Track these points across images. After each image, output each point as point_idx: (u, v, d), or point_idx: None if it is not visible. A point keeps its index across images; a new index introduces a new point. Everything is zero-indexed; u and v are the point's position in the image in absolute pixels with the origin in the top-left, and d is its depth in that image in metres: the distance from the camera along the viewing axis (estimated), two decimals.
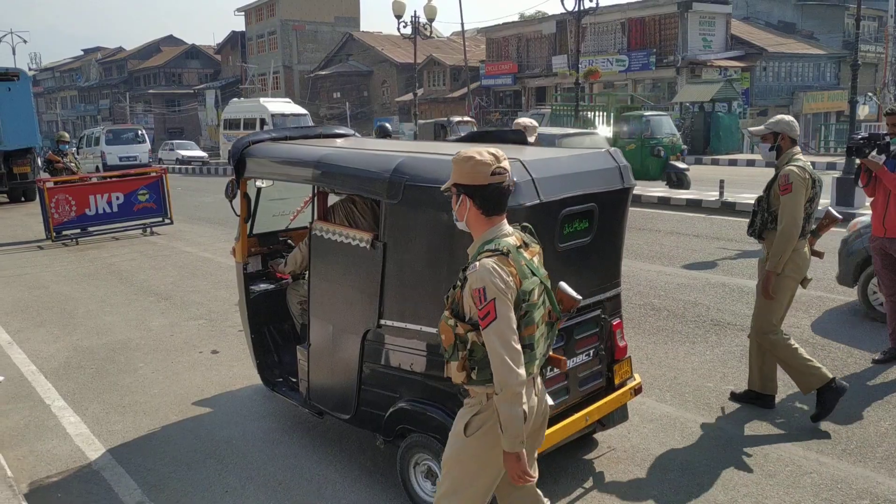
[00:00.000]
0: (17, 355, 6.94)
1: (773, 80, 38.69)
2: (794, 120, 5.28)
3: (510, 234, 2.86)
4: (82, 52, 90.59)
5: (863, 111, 33.40)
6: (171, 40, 78.60)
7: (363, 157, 4.23)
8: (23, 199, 20.70)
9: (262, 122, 29.80)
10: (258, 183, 5.26)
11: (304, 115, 31.63)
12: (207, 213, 17.07)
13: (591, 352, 4.26)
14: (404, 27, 22.03)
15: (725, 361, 6.20)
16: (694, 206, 14.50)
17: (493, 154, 2.82)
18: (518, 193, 3.54)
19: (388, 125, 14.39)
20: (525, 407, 2.68)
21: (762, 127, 5.32)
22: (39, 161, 19.73)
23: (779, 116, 5.29)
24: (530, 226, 3.08)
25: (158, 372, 6.36)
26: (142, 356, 6.81)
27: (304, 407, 4.79)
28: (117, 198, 13.67)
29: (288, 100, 35.94)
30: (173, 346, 6.99)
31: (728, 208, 14.11)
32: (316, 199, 4.51)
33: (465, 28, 41.26)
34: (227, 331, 7.43)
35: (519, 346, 2.65)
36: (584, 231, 4.05)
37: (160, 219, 14.19)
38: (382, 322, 4.02)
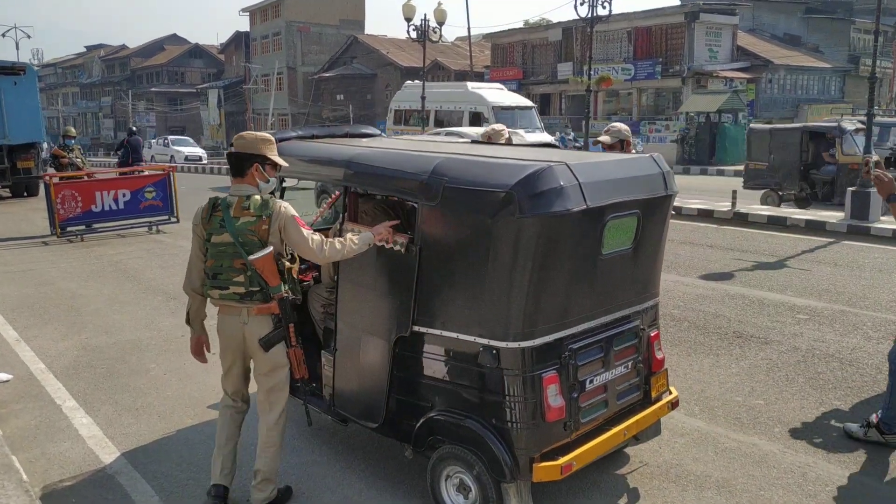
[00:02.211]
0: (25, 353, 6.78)
1: (779, 93, 38.64)
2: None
3: (234, 195, 3.86)
4: (85, 49, 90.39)
5: None
6: (174, 39, 78.45)
7: (398, 157, 4.10)
8: (25, 193, 20.52)
9: (476, 115, 22.70)
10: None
11: (531, 107, 24.37)
12: None
13: (630, 364, 4.12)
14: (413, 30, 21.89)
15: (752, 375, 6.06)
16: (705, 215, 14.38)
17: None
18: (564, 198, 3.41)
19: None
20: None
21: (608, 137, 5.76)
22: (45, 152, 19.56)
23: (619, 125, 5.90)
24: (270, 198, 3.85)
25: (171, 373, 6.21)
26: (153, 356, 6.66)
27: (327, 413, 4.64)
28: (124, 195, 13.51)
29: (501, 86, 27.57)
30: (185, 347, 6.74)
31: (740, 219, 13.99)
32: (347, 199, 4.36)
33: (469, 34, 41.24)
34: None
35: (192, 268, 3.99)
36: (627, 239, 3.92)
37: (166, 217, 14.03)
38: (415, 329, 3.87)
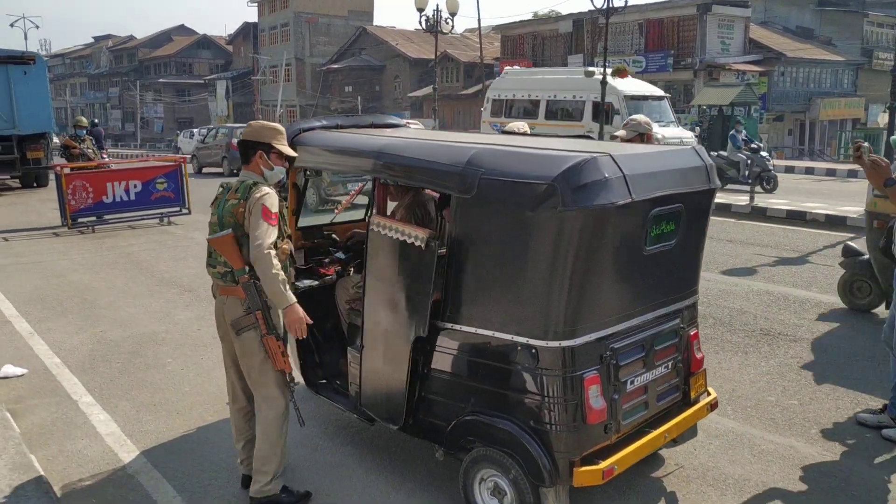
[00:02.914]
0: (39, 346, 6.66)
1: (791, 86, 38.28)
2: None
3: (239, 181, 3.84)
4: (93, 40, 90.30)
5: (882, 120, 32.99)
6: (182, 30, 78.29)
7: (431, 147, 3.94)
8: (35, 184, 20.43)
9: (600, 106, 19.01)
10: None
11: (663, 97, 21.69)
12: None
13: (670, 364, 3.97)
14: (426, 21, 21.69)
15: (783, 374, 5.91)
16: (723, 210, 14.18)
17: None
18: (609, 190, 3.26)
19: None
20: None
21: (624, 131, 5.45)
22: (58, 143, 19.40)
23: (639, 117, 5.52)
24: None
25: (188, 368, 6.08)
26: (169, 350, 6.53)
27: (352, 412, 4.49)
28: (135, 186, 13.39)
29: None
30: (201, 341, 6.69)
31: (759, 213, 13.80)
32: (375, 192, 4.21)
33: (480, 25, 40.94)
34: None
35: None
36: (670, 234, 3.76)
37: (177, 208, 13.91)
38: (446, 326, 3.73)
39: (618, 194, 3.28)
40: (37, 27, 67.58)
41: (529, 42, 44.00)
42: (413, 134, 4.40)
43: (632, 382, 3.70)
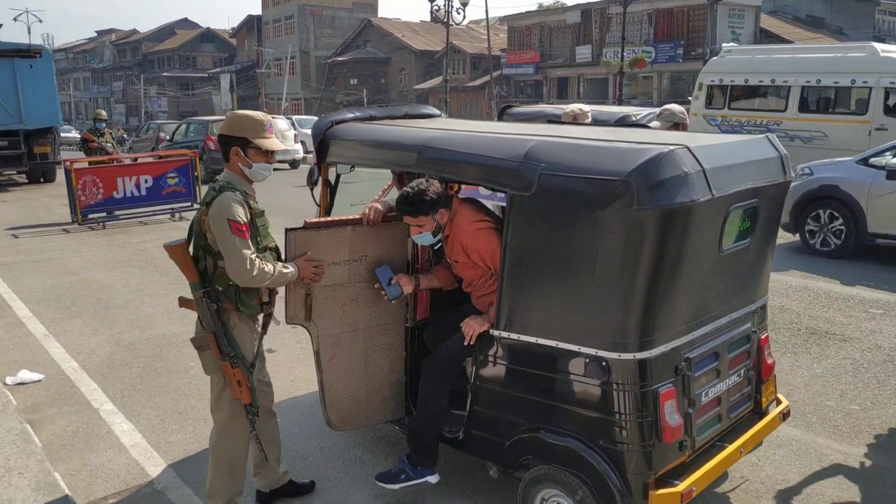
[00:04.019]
0: (55, 350, 6.39)
1: None
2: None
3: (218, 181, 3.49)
4: (96, 34, 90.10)
5: None
6: (185, 23, 78.04)
7: (482, 140, 3.64)
8: (42, 180, 20.14)
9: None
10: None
11: None
12: None
13: (742, 371, 3.69)
14: (437, 10, 21.35)
15: (838, 376, 5.61)
16: None
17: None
18: (688, 186, 2.96)
19: None
20: None
21: (658, 122, 5.23)
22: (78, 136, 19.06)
23: (674, 107, 5.39)
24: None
25: None
26: (191, 354, 6.18)
27: (395, 425, 4.22)
28: (146, 181, 13.10)
29: None
30: None
31: None
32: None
33: (487, 16, 40.57)
34: (281, 327, 6.78)
35: None
36: (746, 232, 3.48)
37: (189, 203, 13.61)
38: (500, 335, 3.44)
39: (698, 190, 2.98)
40: (40, 21, 67.31)
41: (537, 33, 43.60)
42: (460, 126, 4.09)
43: (706, 394, 3.42)
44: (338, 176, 4.60)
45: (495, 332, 3.45)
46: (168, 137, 23.01)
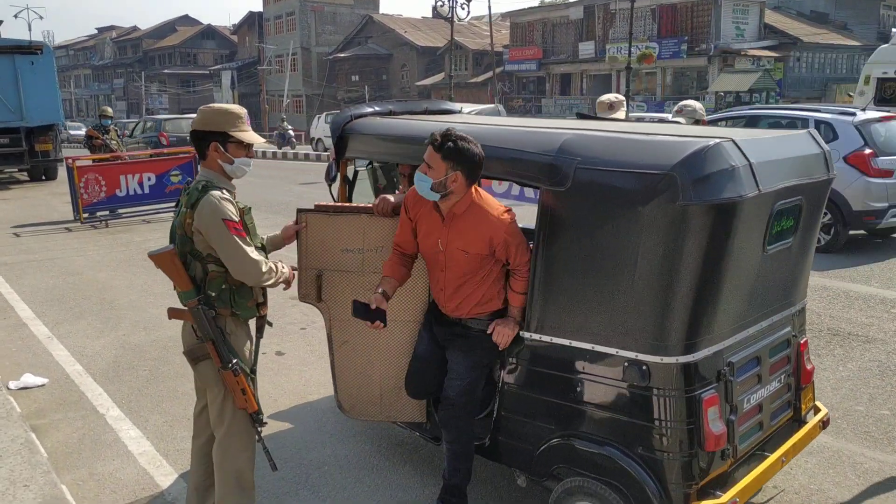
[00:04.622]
0: (59, 352, 6.21)
1: (807, 72, 37.66)
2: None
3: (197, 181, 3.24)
4: (96, 31, 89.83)
5: None
6: (186, 20, 77.81)
7: (511, 133, 3.47)
8: (43, 177, 19.98)
9: None
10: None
11: None
12: (241, 196, 16.31)
13: (782, 377, 3.52)
14: (441, 6, 21.16)
15: (866, 380, 5.44)
16: None
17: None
18: (736, 181, 2.78)
19: None
20: None
21: (683, 118, 5.11)
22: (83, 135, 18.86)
23: (693, 103, 5.32)
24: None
25: None
26: None
27: (414, 430, 4.04)
28: (149, 178, 12.92)
29: None
30: None
31: None
32: None
33: (490, 11, 40.36)
34: (288, 329, 6.68)
35: None
36: (790, 230, 3.30)
37: None
38: (532, 337, 3.27)
39: (745, 186, 2.81)
40: (41, 18, 67.11)
41: (539, 29, 43.44)
42: (485, 120, 3.92)
43: (748, 401, 3.24)
44: (356, 172, 4.42)
45: (526, 335, 3.29)
46: (129, 133, 24.58)
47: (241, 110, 3.29)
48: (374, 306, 3.35)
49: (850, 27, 41.79)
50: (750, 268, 3.09)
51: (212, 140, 3.17)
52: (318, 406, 5.13)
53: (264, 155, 29.55)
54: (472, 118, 4.14)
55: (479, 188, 3.35)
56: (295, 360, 5.97)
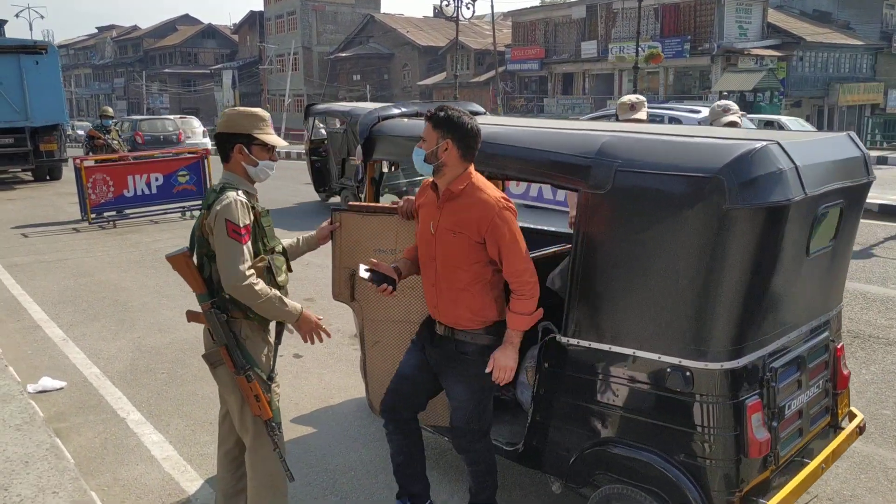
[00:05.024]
0: (74, 355, 6.17)
1: (810, 71, 37.60)
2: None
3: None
4: (96, 30, 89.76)
5: None
6: (187, 19, 77.73)
7: (546, 135, 3.42)
8: (48, 177, 19.92)
9: None
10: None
11: None
12: None
13: (821, 382, 3.47)
14: (446, 5, 21.11)
15: (890, 383, 5.39)
16: None
17: None
18: (783, 184, 2.74)
19: None
20: None
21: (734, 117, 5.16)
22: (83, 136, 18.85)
23: (729, 103, 5.30)
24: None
25: None
26: None
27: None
28: (156, 179, 12.87)
29: None
30: None
31: None
32: None
33: (493, 11, 40.30)
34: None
35: None
36: (830, 234, 3.25)
37: (200, 202, 13.37)
38: (570, 342, 3.22)
39: (792, 189, 2.76)
40: (41, 17, 66.90)
41: (541, 28, 43.38)
42: (521, 122, 3.88)
43: (789, 407, 3.20)
44: (381, 174, 4.38)
45: (563, 340, 3.24)
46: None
47: (266, 113, 3.27)
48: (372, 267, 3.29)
49: (852, 26, 41.74)
50: (793, 272, 3.05)
51: (236, 142, 3.15)
52: (340, 410, 5.08)
53: None
54: (506, 120, 4.09)
55: (478, 173, 3.20)
56: (313, 363, 5.92)
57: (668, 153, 2.94)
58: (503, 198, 3.13)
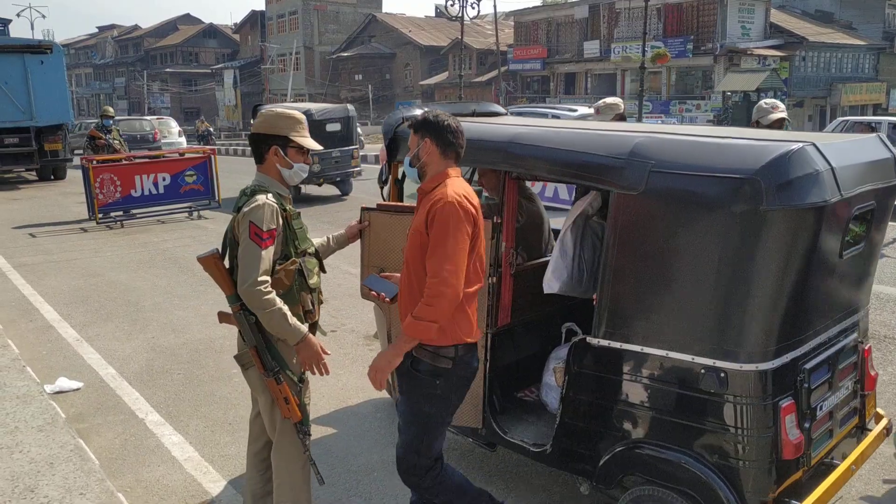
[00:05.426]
0: (90, 355, 6.15)
1: (812, 71, 37.58)
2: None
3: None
4: (97, 30, 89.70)
5: None
6: (188, 19, 77.64)
7: (577, 136, 3.41)
8: (52, 177, 19.91)
9: None
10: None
11: None
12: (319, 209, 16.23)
13: (850, 384, 3.47)
14: (451, 5, 21.11)
15: None
16: None
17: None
18: (820, 186, 2.73)
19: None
20: None
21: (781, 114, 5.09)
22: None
23: (609, 99, 5.30)
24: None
25: None
26: (231, 360, 5.97)
27: (468, 436, 3.98)
28: (164, 178, 12.86)
29: None
30: None
31: None
32: (505, 188, 3.66)
33: (492, 12, 40.25)
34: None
35: None
36: (862, 236, 3.24)
37: (207, 202, 13.38)
38: (601, 343, 3.21)
39: (829, 191, 2.75)
40: (43, 17, 66.74)
41: (544, 28, 43.33)
42: (553, 123, 3.87)
43: (820, 408, 3.19)
44: (404, 174, 4.37)
45: (593, 341, 3.23)
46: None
47: (302, 116, 3.25)
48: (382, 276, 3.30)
49: (854, 26, 41.73)
50: (827, 274, 3.04)
51: (272, 144, 3.14)
52: (358, 411, 5.07)
53: None
54: (537, 121, 4.08)
55: (458, 177, 3.04)
56: (330, 364, 5.89)
57: (703, 154, 2.93)
58: (464, 196, 2.90)
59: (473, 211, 2.93)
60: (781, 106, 5.40)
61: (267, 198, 3.06)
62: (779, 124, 5.16)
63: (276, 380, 3.11)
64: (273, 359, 3.12)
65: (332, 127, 14.75)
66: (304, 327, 3.09)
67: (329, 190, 15.69)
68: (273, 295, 3.00)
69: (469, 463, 4.29)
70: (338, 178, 15.10)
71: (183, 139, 28.78)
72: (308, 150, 3.21)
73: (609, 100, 5.52)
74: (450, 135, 3.03)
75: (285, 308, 3.03)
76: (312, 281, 3.21)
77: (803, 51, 36.57)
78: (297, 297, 3.17)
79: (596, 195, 3.72)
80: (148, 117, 29.84)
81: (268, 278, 3.00)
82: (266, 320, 3.02)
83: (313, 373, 3.19)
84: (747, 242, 2.75)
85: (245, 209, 3.03)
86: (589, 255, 3.74)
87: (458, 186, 2.97)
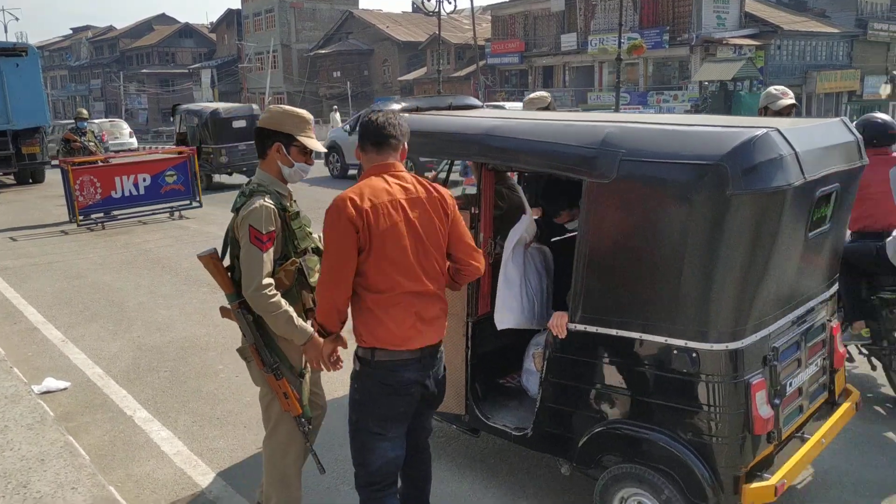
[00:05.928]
0: (75, 356, 6.19)
1: (787, 59, 37.92)
2: None
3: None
4: (71, 31, 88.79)
5: (884, 91, 32.77)
6: (163, 19, 76.99)
7: (552, 127, 3.50)
8: (30, 180, 19.77)
9: None
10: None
11: None
12: (233, 195, 16.27)
13: (819, 361, 3.60)
14: (428, 1, 21.14)
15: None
16: None
17: None
18: (784, 170, 2.84)
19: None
20: None
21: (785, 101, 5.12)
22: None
23: (541, 93, 5.36)
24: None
25: (242, 375, 5.59)
26: (216, 356, 6.07)
27: (451, 423, 4.08)
28: (144, 179, 12.83)
29: None
30: None
31: None
32: (483, 180, 3.75)
33: (469, 6, 40.28)
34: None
35: None
36: (827, 216, 3.37)
37: (188, 202, 13.37)
38: (578, 328, 3.31)
39: (792, 174, 2.87)
40: (16, 19, 66.11)
41: (521, 22, 43.42)
42: (524, 115, 3.96)
43: (790, 384, 3.31)
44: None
45: (570, 326, 3.33)
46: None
47: (310, 116, 3.32)
48: None
49: (828, 14, 42.15)
50: (794, 254, 3.16)
51: (276, 141, 3.19)
52: (344, 402, 5.13)
53: None
54: (511, 113, 4.16)
55: (376, 177, 2.87)
56: None
57: (672, 142, 3.03)
58: (349, 199, 2.74)
59: (368, 210, 2.72)
60: (790, 92, 5.52)
61: (264, 200, 3.11)
62: (789, 110, 5.25)
63: (276, 375, 3.18)
64: (272, 355, 3.19)
65: (238, 124, 16.91)
66: (310, 329, 3.12)
67: (239, 178, 17.33)
68: (278, 297, 3.06)
69: (454, 449, 4.38)
70: (244, 168, 16.93)
71: (134, 140, 30.75)
72: (311, 150, 3.26)
73: (535, 94, 5.84)
74: (370, 132, 2.91)
75: (291, 310, 3.08)
76: (313, 280, 3.24)
77: (778, 39, 36.89)
78: (297, 296, 3.23)
79: (531, 222, 3.79)
80: (96, 121, 30.35)
81: (272, 281, 3.07)
82: (272, 323, 3.08)
83: (320, 368, 3.20)
84: (715, 226, 2.85)
85: (243, 212, 3.09)
86: (535, 283, 3.82)
87: (366, 184, 2.82)
